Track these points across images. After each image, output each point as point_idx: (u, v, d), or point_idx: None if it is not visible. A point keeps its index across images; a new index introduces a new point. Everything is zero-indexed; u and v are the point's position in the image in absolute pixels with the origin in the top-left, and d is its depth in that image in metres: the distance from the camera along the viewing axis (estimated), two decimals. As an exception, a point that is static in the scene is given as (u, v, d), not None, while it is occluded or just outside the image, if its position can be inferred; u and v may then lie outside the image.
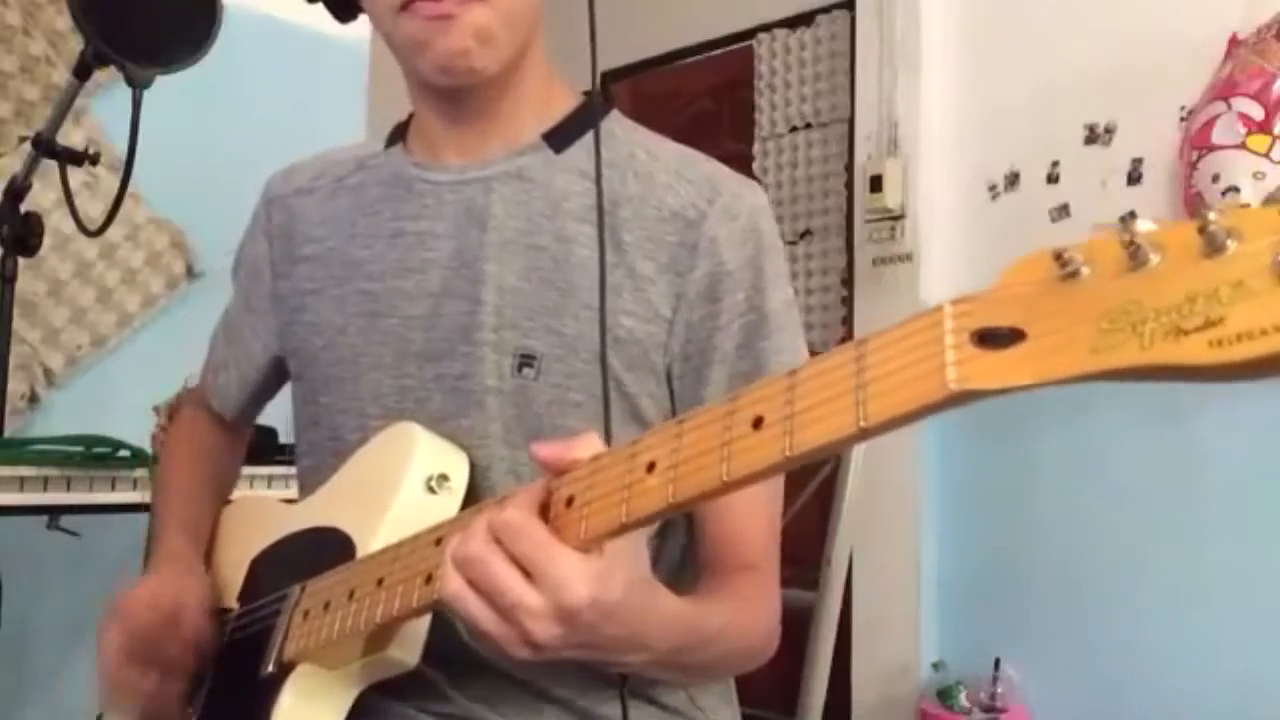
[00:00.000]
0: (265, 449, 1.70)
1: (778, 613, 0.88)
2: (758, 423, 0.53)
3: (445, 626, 0.78)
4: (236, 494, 1.11)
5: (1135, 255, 0.42)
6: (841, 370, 0.50)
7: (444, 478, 0.82)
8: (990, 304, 0.46)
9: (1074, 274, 0.43)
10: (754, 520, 0.87)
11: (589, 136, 0.91)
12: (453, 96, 0.89)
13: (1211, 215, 0.40)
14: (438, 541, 0.69)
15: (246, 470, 1.58)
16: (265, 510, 1.04)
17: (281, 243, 0.99)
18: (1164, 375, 0.40)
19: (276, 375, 1.04)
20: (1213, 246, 0.40)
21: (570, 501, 0.62)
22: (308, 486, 0.96)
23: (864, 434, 0.48)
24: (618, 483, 0.60)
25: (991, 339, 0.44)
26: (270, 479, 1.74)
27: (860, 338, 0.50)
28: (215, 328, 1.12)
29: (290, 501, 1.01)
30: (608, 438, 0.84)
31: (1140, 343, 0.40)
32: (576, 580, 0.61)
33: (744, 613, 0.83)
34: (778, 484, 0.90)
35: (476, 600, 0.63)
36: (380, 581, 0.72)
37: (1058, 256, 0.44)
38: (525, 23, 0.87)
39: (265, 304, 1.01)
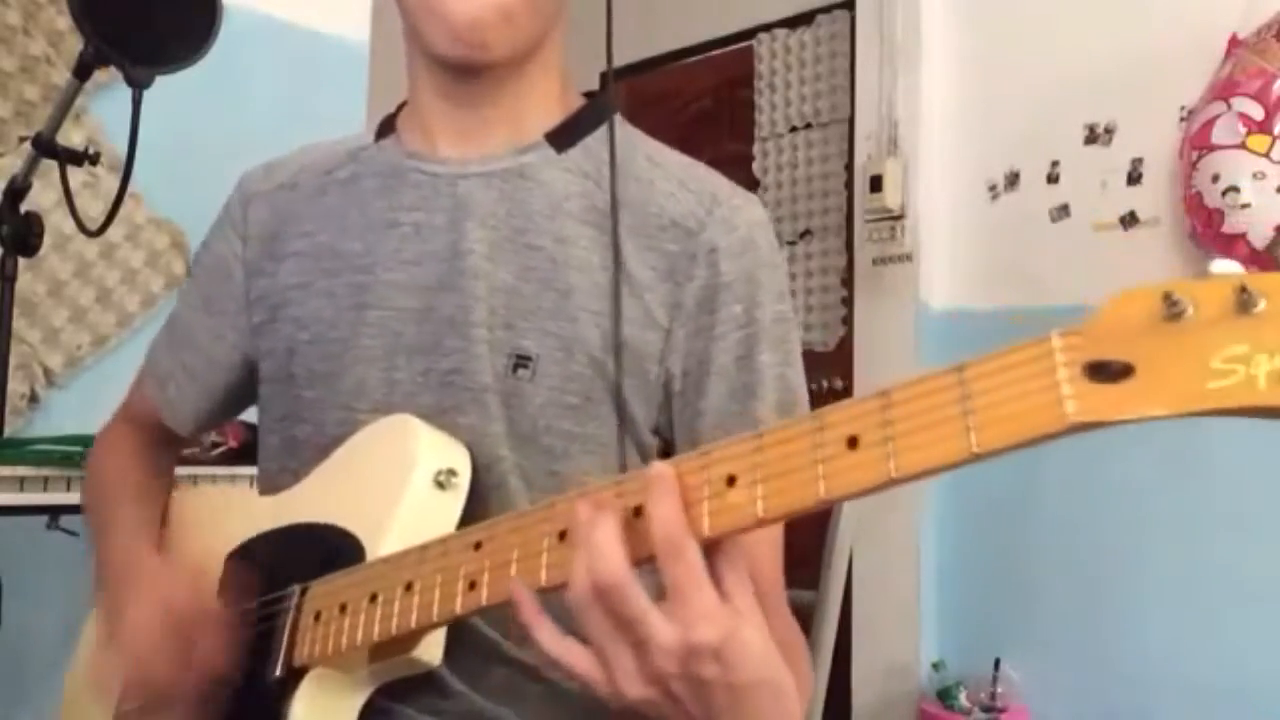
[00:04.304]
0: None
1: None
2: (853, 442, 0.53)
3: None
4: (224, 489, 1.06)
5: (1245, 300, 0.44)
6: (943, 395, 0.51)
7: (452, 472, 0.79)
8: (1098, 338, 0.47)
9: (1179, 314, 0.45)
10: (761, 546, 0.83)
11: (591, 138, 0.90)
12: (459, 77, 0.87)
13: None
14: (477, 545, 0.67)
15: (245, 470, 1.58)
16: (234, 503, 0.99)
17: (260, 241, 0.96)
18: (1278, 415, 0.43)
19: (247, 379, 0.98)
20: None
21: (637, 513, 0.60)
22: (282, 484, 0.91)
23: (975, 459, 0.49)
24: (694, 495, 0.58)
25: (1102, 372, 0.46)
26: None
27: (956, 364, 0.51)
28: (153, 341, 1.05)
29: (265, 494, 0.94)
30: (620, 441, 0.84)
31: (1257, 384, 0.43)
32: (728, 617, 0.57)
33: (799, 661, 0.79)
34: None
35: (601, 618, 0.58)
36: (410, 586, 0.70)
37: (1167, 296, 0.46)
38: (549, 12, 0.86)
39: (233, 305, 0.97)
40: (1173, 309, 0.45)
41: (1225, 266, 0.45)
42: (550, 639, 0.62)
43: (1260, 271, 0.45)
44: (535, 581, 0.63)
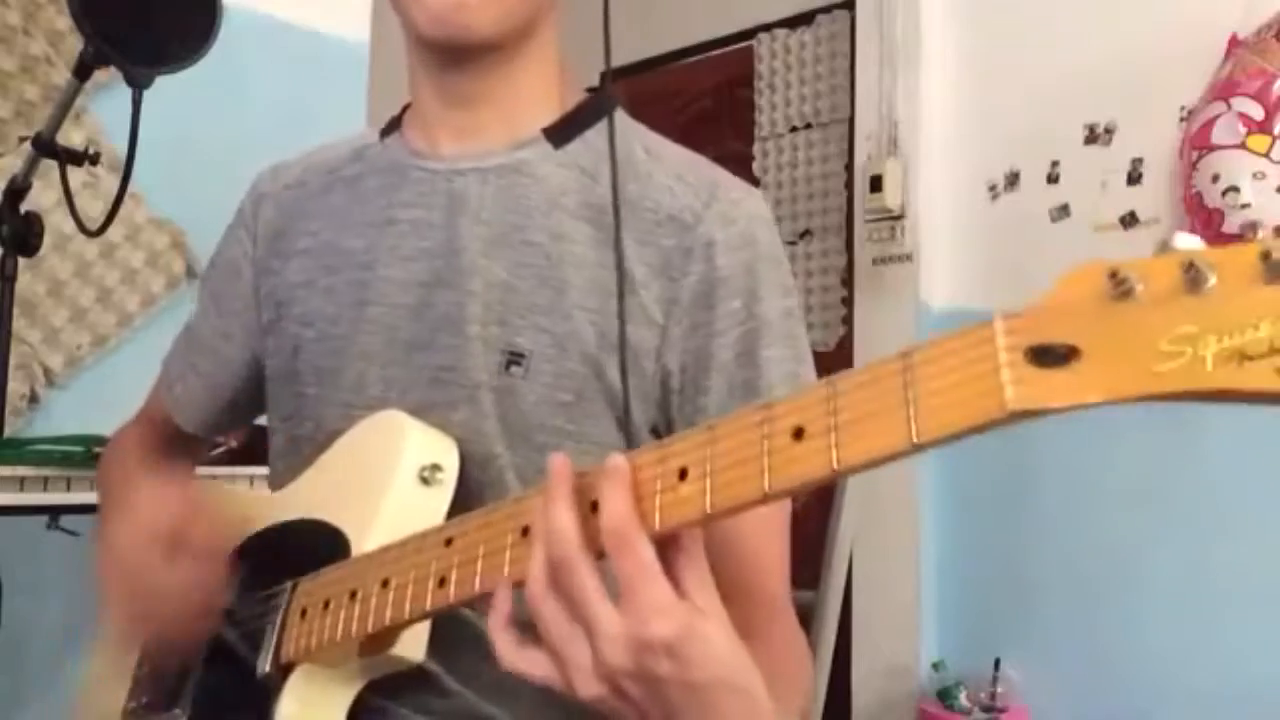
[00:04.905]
0: (265, 449, 1.68)
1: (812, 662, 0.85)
2: (798, 433, 0.51)
3: (443, 616, 0.76)
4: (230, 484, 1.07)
5: (1193, 278, 0.41)
6: (887, 383, 0.49)
7: (436, 468, 0.79)
8: (1042, 320, 0.45)
9: (1127, 293, 0.43)
10: (767, 547, 0.83)
11: (590, 133, 0.89)
12: (450, 65, 0.87)
13: (1276, 242, 0.40)
14: (448, 542, 0.67)
15: (245, 470, 1.58)
16: (236, 500, 0.99)
17: (268, 241, 0.97)
18: (1227, 398, 0.40)
19: (257, 378, 0.99)
20: (1274, 274, 0.40)
21: (594, 508, 0.58)
22: (286, 482, 0.92)
23: (917, 449, 0.47)
24: (647, 488, 0.57)
25: (1045, 356, 0.44)
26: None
27: (904, 349, 0.49)
28: (170, 350, 1.07)
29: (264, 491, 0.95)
30: (627, 439, 0.83)
31: (1204, 366, 0.40)
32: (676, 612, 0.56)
33: (793, 679, 0.78)
34: (786, 501, 0.84)
35: (555, 608, 0.58)
36: (386, 582, 0.70)
37: (1113, 275, 0.43)
38: None
39: (241, 304, 0.98)
40: (1119, 288, 0.43)
41: (1187, 241, 0.43)
42: (507, 649, 0.61)
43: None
44: (499, 578, 0.63)
